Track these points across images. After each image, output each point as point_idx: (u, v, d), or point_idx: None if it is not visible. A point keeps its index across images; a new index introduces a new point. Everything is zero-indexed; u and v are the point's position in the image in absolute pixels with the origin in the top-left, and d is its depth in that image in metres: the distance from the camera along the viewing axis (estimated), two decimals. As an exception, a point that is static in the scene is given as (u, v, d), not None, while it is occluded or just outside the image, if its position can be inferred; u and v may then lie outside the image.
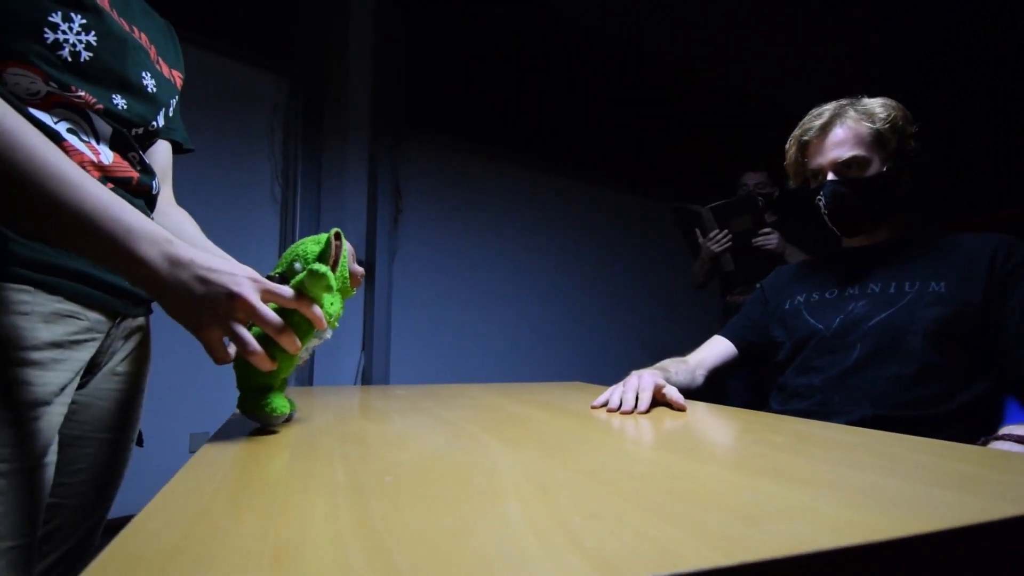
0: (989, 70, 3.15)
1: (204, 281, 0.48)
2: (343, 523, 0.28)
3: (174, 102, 0.74)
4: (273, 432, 0.57)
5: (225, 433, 0.56)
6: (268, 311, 0.50)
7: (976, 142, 3.25)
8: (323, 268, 0.51)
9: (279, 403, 0.56)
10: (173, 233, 0.65)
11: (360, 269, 0.63)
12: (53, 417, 0.55)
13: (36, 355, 0.53)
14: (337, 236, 0.57)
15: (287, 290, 0.52)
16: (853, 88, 0.98)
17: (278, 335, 0.51)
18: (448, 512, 0.30)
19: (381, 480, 0.37)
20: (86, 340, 0.60)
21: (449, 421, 0.64)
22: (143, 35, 0.67)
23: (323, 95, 2.49)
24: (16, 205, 0.46)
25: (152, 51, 0.68)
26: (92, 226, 0.46)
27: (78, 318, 0.58)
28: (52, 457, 0.56)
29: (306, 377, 2.34)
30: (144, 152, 0.70)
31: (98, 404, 0.66)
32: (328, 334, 0.59)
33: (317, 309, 0.53)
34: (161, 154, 0.78)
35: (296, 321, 0.53)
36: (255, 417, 0.56)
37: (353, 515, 0.30)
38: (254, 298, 0.49)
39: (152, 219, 0.65)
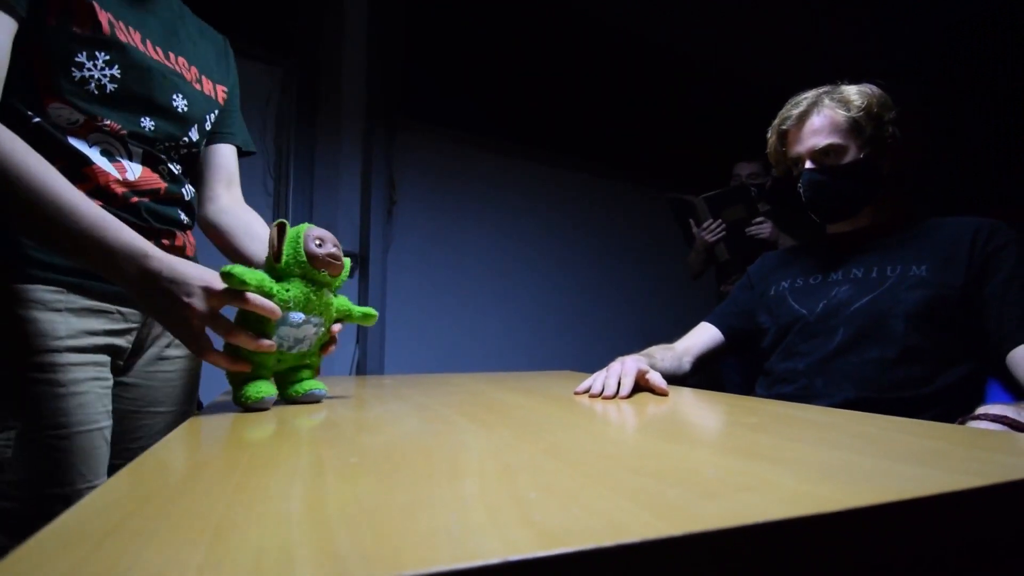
0: (991, 70, 3.12)
1: (166, 292, 0.56)
2: (294, 501, 0.28)
3: (212, 116, 0.81)
4: (252, 412, 0.60)
5: (204, 418, 0.56)
6: (216, 316, 0.57)
7: (978, 142, 3.23)
8: (225, 268, 0.57)
9: (252, 391, 0.60)
10: (244, 232, 0.82)
11: (324, 251, 0.63)
12: (99, 391, 0.66)
13: (73, 342, 0.63)
14: (279, 227, 0.62)
15: (227, 291, 0.57)
16: (850, 79, 0.97)
17: (227, 335, 0.58)
18: (404, 490, 0.30)
19: (345, 461, 0.37)
20: (122, 330, 0.70)
21: (427, 407, 0.63)
22: (181, 59, 0.75)
23: (317, 86, 2.47)
24: (26, 224, 0.56)
25: (192, 72, 0.77)
26: (82, 245, 0.55)
27: (108, 312, 0.68)
28: (106, 422, 0.67)
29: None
30: (192, 159, 0.80)
31: (146, 384, 0.76)
32: (299, 318, 0.61)
33: (257, 298, 0.58)
34: (225, 158, 0.87)
35: (255, 317, 0.59)
36: (239, 405, 0.61)
37: (306, 494, 0.30)
38: (201, 305, 0.56)
39: (182, 222, 0.77)
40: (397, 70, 2.58)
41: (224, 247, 0.85)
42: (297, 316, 0.61)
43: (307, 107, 2.43)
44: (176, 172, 0.75)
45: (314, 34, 2.45)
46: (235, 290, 0.57)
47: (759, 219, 1.92)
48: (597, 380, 0.78)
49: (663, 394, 0.76)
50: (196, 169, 0.85)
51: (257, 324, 0.60)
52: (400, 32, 2.59)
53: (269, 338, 0.60)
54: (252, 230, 0.83)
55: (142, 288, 0.56)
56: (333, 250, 0.63)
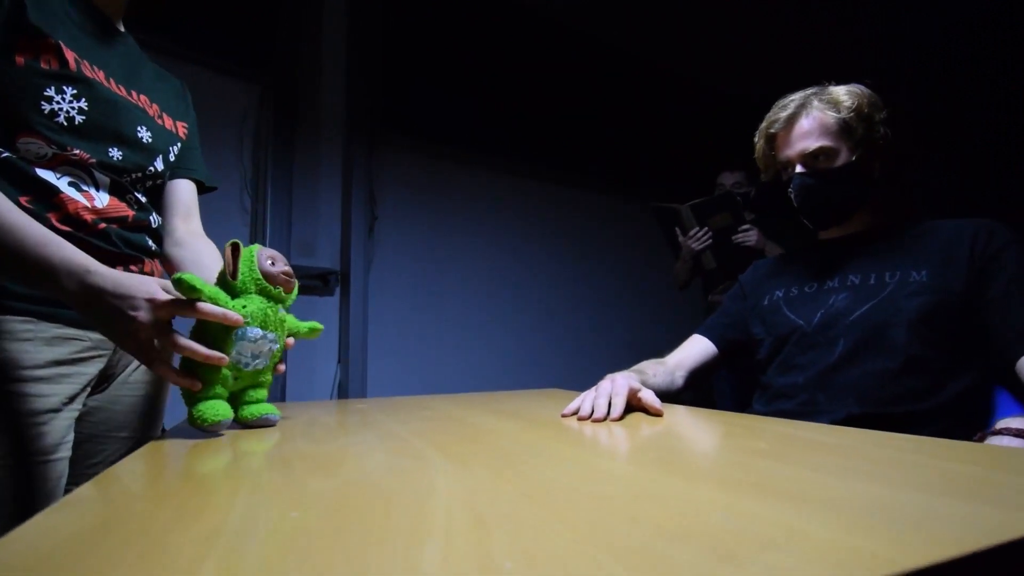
0: (991, 70, 3.13)
1: (112, 307, 0.56)
2: (198, 583, 0.22)
3: (175, 148, 0.84)
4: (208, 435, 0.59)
5: (156, 446, 0.50)
6: (163, 327, 0.57)
7: (977, 142, 3.23)
8: (176, 275, 0.56)
9: (209, 413, 0.58)
10: (191, 262, 0.83)
11: (279, 269, 0.64)
12: (62, 421, 0.66)
13: (41, 372, 0.65)
14: (232, 246, 0.62)
15: (175, 300, 0.57)
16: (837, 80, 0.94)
17: (174, 347, 0.57)
18: (350, 559, 0.24)
19: (283, 516, 0.30)
20: (91, 356, 0.71)
21: (398, 437, 0.57)
22: (143, 96, 0.79)
23: (295, 101, 2.41)
24: None
25: (154, 108, 0.80)
26: (24, 263, 0.56)
27: (79, 339, 0.69)
28: (64, 452, 0.67)
29: (278, 393, 2.24)
30: (157, 190, 0.83)
31: (113, 408, 0.77)
32: (257, 333, 0.61)
33: (208, 306, 0.57)
34: (183, 192, 0.89)
35: (214, 329, 0.59)
36: (193, 425, 0.59)
37: (220, 567, 0.23)
38: (147, 317, 0.56)
39: (150, 248, 0.79)
40: (377, 84, 2.53)
41: None
42: (255, 331, 0.61)
43: (285, 122, 2.38)
44: (143, 201, 0.77)
45: (292, 49, 2.40)
46: (183, 300, 0.57)
47: (745, 226, 1.89)
48: (586, 401, 0.72)
49: (657, 414, 0.71)
50: (158, 202, 0.88)
51: (214, 341, 0.59)
52: (379, 47, 2.55)
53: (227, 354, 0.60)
54: (200, 259, 0.84)
55: (87, 304, 0.56)
56: (287, 268, 0.64)
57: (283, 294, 0.64)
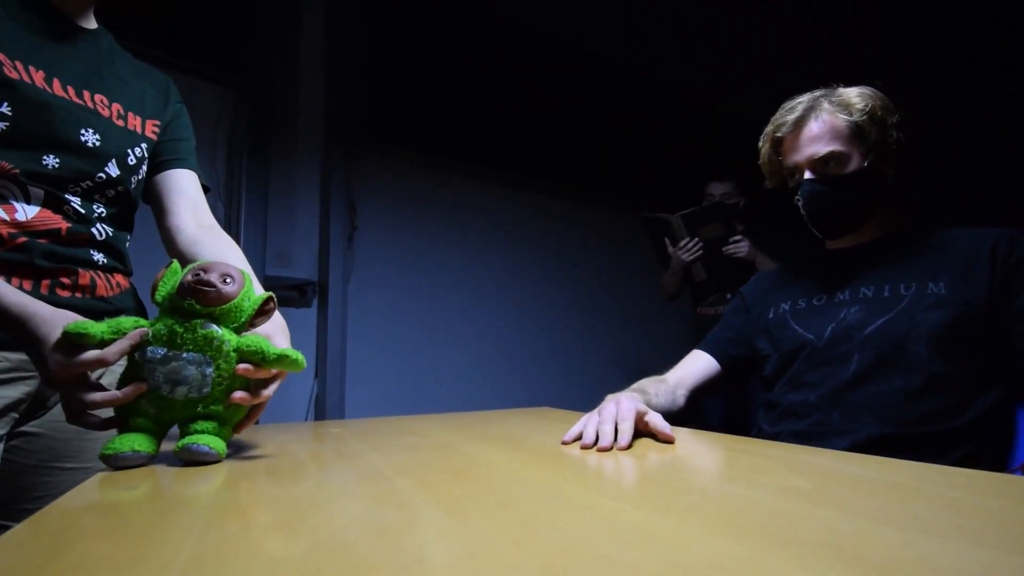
0: (988, 71, 3.13)
1: (37, 364, 0.55)
2: None
3: (136, 150, 0.77)
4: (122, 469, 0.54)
5: (67, 501, 0.41)
6: (77, 383, 0.54)
7: (977, 144, 3.22)
8: (68, 325, 0.53)
9: (106, 446, 0.54)
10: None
11: (192, 277, 0.56)
12: None
13: None
14: (167, 267, 0.59)
15: (83, 359, 0.53)
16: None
17: (93, 406, 0.54)
18: None
19: (223, 611, 0.22)
20: (12, 379, 0.65)
21: (380, 475, 0.49)
22: (100, 96, 0.73)
23: (271, 107, 2.32)
24: None
25: (114, 109, 0.74)
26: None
27: None
28: None
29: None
30: (122, 199, 0.75)
31: (54, 435, 0.71)
32: (157, 353, 0.54)
33: (107, 352, 0.53)
34: (183, 182, 0.82)
35: (135, 366, 0.55)
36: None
37: None
38: (58, 381, 0.53)
39: (95, 262, 0.72)
40: (358, 89, 2.46)
41: None
42: (155, 351, 0.54)
43: (261, 128, 2.28)
44: (83, 212, 0.71)
45: (268, 52, 2.31)
46: (88, 357, 0.52)
47: (736, 237, 1.85)
48: (589, 426, 0.65)
49: (668, 440, 0.64)
50: (154, 201, 0.82)
51: (137, 372, 0.55)
52: (361, 52, 2.48)
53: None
54: (225, 259, 0.76)
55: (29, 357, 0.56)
56: (203, 276, 0.55)
57: (196, 306, 0.55)
